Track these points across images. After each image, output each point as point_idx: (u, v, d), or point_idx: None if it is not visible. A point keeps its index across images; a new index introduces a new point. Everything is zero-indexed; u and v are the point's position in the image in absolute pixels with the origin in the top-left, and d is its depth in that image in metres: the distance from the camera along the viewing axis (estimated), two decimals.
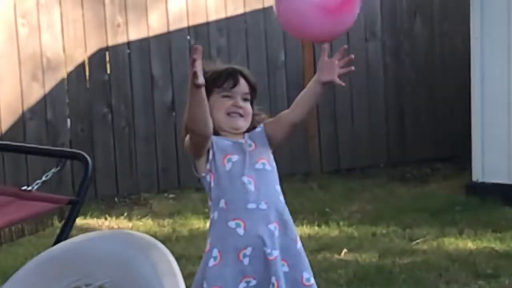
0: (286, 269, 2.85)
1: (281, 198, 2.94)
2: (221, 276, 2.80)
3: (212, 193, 2.87)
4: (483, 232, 5.51)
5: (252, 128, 2.96)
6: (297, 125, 2.93)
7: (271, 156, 2.95)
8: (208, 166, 2.87)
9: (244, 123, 2.92)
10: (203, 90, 2.71)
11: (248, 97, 2.93)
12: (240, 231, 2.81)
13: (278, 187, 2.95)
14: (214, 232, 2.85)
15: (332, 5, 2.71)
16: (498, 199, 6.18)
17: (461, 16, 7.48)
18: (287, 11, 2.75)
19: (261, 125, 2.96)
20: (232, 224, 2.82)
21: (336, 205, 6.46)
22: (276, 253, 2.81)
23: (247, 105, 2.92)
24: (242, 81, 2.92)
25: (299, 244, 2.92)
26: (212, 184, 2.86)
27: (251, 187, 2.85)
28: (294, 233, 2.92)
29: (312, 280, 2.92)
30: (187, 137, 2.87)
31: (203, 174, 2.89)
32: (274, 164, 2.95)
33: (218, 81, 2.89)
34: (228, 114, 2.89)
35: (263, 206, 2.85)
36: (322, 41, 2.83)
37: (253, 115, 2.96)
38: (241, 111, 2.90)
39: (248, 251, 2.80)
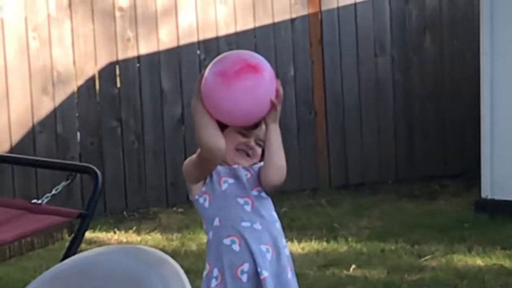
0: None
1: (278, 224, 2.91)
2: None
3: (207, 214, 2.87)
4: (492, 249, 5.49)
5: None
6: (271, 186, 2.88)
7: None
8: (204, 188, 2.87)
9: (247, 163, 2.91)
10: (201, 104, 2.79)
11: (262, 143, 2.92)
12: (236, 247, 2.80)
13: (275, 214, 2.93)
14: (211, 252, 2.84)
15: (231, 71, 2.75)
16: (507, 215, 6.16)
17: (471, 32, 7.48)
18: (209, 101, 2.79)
19: (261, 163, 2.93)
20: (227, 241, 2.81)
21: (344, 221, 6.45)
22: (266, 273, 2.79)
23: (258, 150, 2.92)
24: (263, 127, 2.90)
25: (290, 274, 2.89)
26: (207, 205, 2.86)
27: (247, 208, 2.85)
28: (286, 261, 2.88)
29: None
30: (190, 162, 2.88)
31: (196, 197, 2.88)
32: (268, 194, 2.93)
33: None
34: (237, 149, 2.90)
35: (257, 226, 2.83)
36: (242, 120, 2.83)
37: (261, 159, 2.94)
38: (249, 152, 2.90)
39: (245, 267, 2.79)
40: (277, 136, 2.87)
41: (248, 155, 2.91)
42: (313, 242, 5.85)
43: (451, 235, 5.90)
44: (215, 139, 2.78)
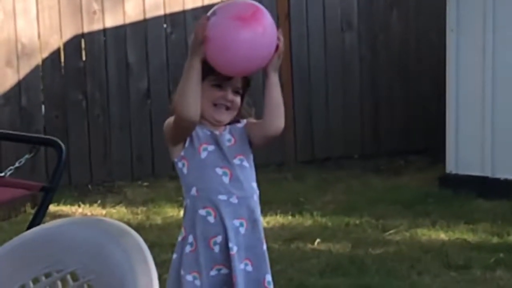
0: (250, 268, 2.81)
1: (256, 197, 2.89)
2: (197, 263, 2.79)
3: (185, 180, 2.84)
4: (456, 224, 5.55)
5: (235, 121, 2.89)
6: (270, 137, 2.88)
7: (250, 155, 2.90)
8: (183, 153, 2.83)
9: (228, 117, 2.85)
10: (200, 66, 2.72)
11: (240, 91, 2.86)
12: (211, 219, 2.79)
13: (255, 185, 2.90)
14: (187, 219, 2.84)
15: (246, 14, 2.74)
16: (471, 191, 6.22)
17: (437, 10, 7.50)
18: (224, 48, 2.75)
19: (244, 121, 2.89)
20: (202, 212, 2.80)
21: (310, 195, 6.47)
22: (235, 249, 2.79)
23: (237, 99, 2.85)
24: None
25: (265, 246, 2.88)
26: (185, 171, 2.83)
27: (226, 179, 2.81)
28: (261, 233, 2.88)
29: (272, 285, 2.89)
30: (169, 123, 2.82)
31: (176, 160, 2.85)
32: (252, 162, 2.90)
33: (214, 69, 2.78)
34: (215, 104, 2.82)
35: (233, 200, 2.81)
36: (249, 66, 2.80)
37: (240, 108, 2.89)
38: (228, 104, 2.83)
39: (218, 239, 2.79)
40: (277, 89, 2.84)
41: (227, 108, 2.84)
42: (278, 216, 5.87)
43: (416, 209, 5.95)
44: (190, 111, 2.71)
